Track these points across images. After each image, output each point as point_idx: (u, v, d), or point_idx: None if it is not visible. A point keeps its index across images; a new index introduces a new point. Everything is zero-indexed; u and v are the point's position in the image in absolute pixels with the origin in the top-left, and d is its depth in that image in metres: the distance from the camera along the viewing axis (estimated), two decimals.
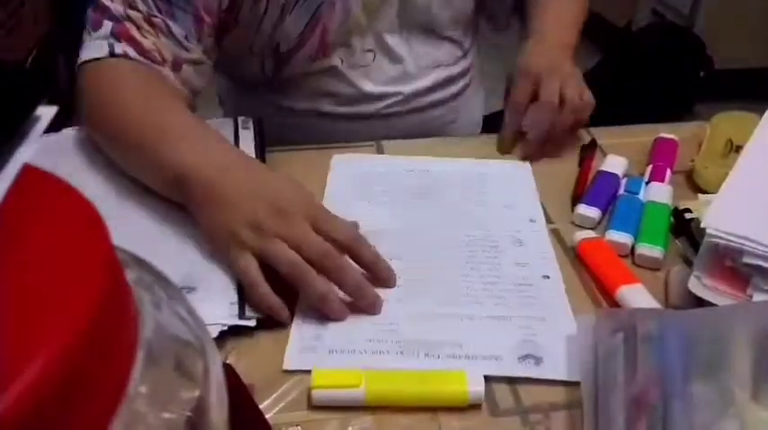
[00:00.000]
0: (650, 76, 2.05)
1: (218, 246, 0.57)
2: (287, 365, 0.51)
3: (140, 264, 0.26)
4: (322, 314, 0.54)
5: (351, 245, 0.55)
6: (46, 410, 0.18)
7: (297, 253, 0.53)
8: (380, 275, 0.57)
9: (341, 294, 0.55)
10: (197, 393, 0.24)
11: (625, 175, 0.73)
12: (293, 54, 0.80)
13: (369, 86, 0.85)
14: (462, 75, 0.94)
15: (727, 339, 0.44)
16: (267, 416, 0.46)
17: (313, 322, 0.54)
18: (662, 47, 2.11)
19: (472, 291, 0.58)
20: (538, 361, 0.52)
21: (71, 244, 0.22)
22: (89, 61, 0.67)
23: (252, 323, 0.53)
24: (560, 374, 0.51)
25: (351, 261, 0.56)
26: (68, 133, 0.73)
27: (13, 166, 0.22)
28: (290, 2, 0.75)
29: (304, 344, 0.53)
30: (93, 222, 0.22)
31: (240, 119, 0.75)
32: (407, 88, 0.87)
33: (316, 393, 0.47)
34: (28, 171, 0.23)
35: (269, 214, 0.54)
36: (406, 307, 0.56)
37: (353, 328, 0.54)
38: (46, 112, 0.24)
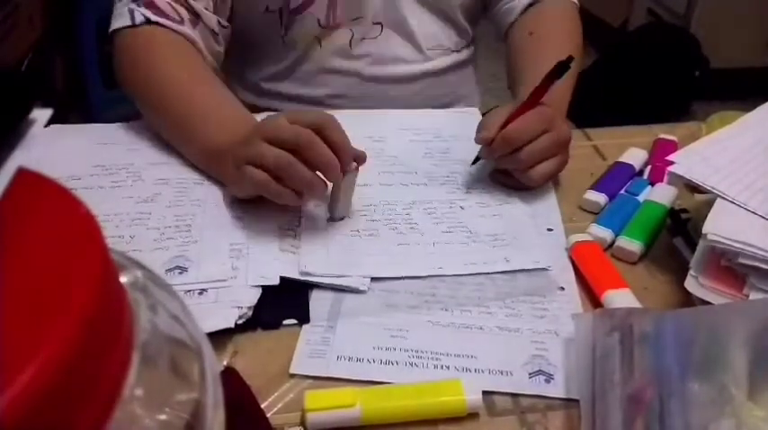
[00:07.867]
0: (646, 75, 2.06)
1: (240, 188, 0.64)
2: (294, 369, 0.51)
3: (135, 265, 0.26)
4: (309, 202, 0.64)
5: (321, 125, 0.59)
6: (41, 413, 0.18)
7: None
8: (347, 157, 0.60)
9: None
10: (193, 395, 0.24)
11: (640, 170, 0.74)
12: (302, 10, 0.82)
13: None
14: (462, 65, 0.94)
15: (723, 338, 0.44)
16: (267, 416, 0.46)
17: (322, 325, 0.55)
18: (658, 47, 2.11)
19: (484, 301, 0.57)
20: (549, 378, 0.51)
21: (66, 246, 0.22)
22: (119, 30, 0.74)
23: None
24: (571, 392, 0.50)
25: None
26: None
27: (8, 169, 0.22)
28: None
29: (312, 348, 0.53)
30: (87, 225, 0.22)
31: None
32: (414, 68, 0.88)
33: (310, 416, 0.46)
34: (23, 174, 0.23)
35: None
36: (417, 314, 0.56)
37: (362, 332, 0.54)
38: (41, 115, 0.24)
